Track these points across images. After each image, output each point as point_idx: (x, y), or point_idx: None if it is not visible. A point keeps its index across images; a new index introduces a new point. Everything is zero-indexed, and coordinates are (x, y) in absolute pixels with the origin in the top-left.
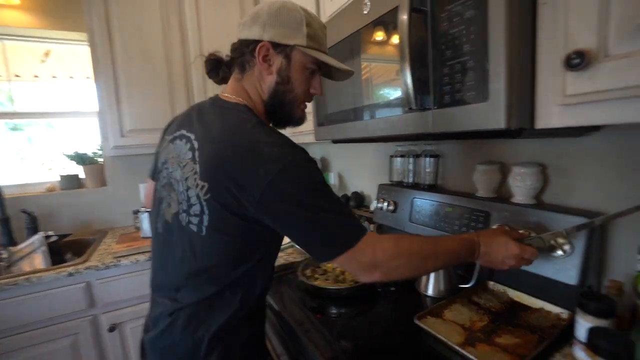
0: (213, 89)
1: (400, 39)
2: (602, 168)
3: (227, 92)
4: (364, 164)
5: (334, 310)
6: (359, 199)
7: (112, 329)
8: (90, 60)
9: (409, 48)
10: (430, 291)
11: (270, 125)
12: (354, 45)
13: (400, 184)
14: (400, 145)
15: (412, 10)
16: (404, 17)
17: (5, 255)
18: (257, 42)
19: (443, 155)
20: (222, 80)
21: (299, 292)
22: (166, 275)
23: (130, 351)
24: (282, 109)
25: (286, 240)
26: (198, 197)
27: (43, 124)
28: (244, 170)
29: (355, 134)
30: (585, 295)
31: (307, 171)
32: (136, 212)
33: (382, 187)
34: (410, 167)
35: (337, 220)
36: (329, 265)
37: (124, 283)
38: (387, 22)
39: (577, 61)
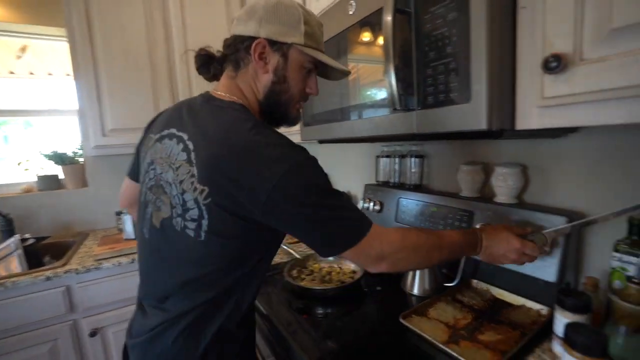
0: (198, 88)
1: (385, 39)
2: (579, 168)
3: (219, 89)
4: (351, 164)
5: (320, 311)
6: None
7: (93, 333)
8: (70, 56)
9: (393, 49)
10: (415, 290)
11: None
12: (340, 45)
13: (386, 184)
14: (387, 146)
15: (397, 12)
16: (388, 18)
17: None
18: (252, 38)
19: (428, 155)
20: (213, 77)
21: (285, 293)
22: (155, 283)
23: (113, 356)
24: (277, 108)
25: None
26: (196, 201)
27: (20, 123)
28: (247, 172)
29: (341, 134)
30: (563, 292)
31: (312, 170)
32: (119, 213)
33: (368, 187)
34: (396, 167)
35: (344, 216)
36: (315, 266)
37: (106, 286)
38: (372, 22)
39: (555, 64)
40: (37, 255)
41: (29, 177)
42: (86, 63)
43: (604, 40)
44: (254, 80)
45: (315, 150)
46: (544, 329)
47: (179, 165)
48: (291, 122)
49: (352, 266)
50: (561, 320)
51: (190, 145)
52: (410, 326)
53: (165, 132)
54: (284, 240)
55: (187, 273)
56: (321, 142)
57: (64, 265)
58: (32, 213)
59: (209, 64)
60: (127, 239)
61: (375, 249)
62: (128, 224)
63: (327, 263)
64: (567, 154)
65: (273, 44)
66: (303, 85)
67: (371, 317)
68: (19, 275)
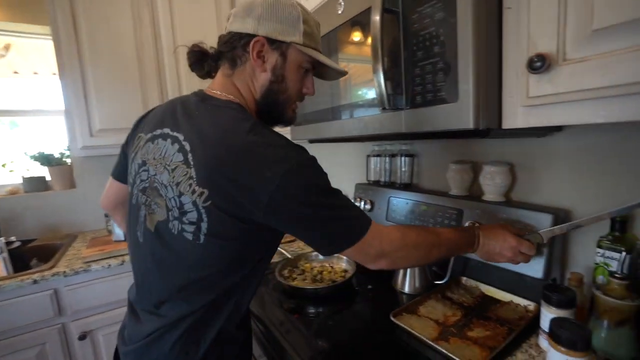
0: (188, 86)
1: (373, 39)
2: (564, 166)
3: (214, 88)
4: (341, 163)
5: (312, 310)
6: None
7: (82, 337)
8: (55, 55)
9: (382, 48)
10: (406, 288)
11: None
12: (330, 44)
13: (377, 183)
14: (377, 145)
15: (385, 11)
16: (376, 17)
17: None
18: (250, 36)
19: (418, 154)
20: (206, 74)
21: (277, 293)
22: (150, 288)
23: (103, 359)
24: (275, 108)
25: None
26: (195, 203)
27: (6, 123)
28: (247, 173)
29: (331, 134)
30: (548, 288)
31: (312, 170)
32: (108, 215)
33: (359, 187)
34: (387, 166)
35: (344, 215)
36: (306, 265)
37: (95, 289)
38: (361, 22)
39: (539, 64)
40: (23, 258)
41: (15, 178)
42: (72, 62)
43: (585, 41)
44: (252, 79)
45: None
46: (531, 325)
47: (174, 166)
48: (287, 122)
49: (343, 265)
50: (547, 315)
51: (187, 146)
52: (401, 324)
53: (158, 131)
54: None
55: (185, 277)
56: (311, 141)
57: (51, 268)
58: (17, 215)
59: (202, 61)
60: (116, 241)
61: (375, 247)
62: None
63: (319, 262)
64: (552, 153)
65: (272, 42)
66: (300, 85)
67: (362, 316)
68: (4, 278)
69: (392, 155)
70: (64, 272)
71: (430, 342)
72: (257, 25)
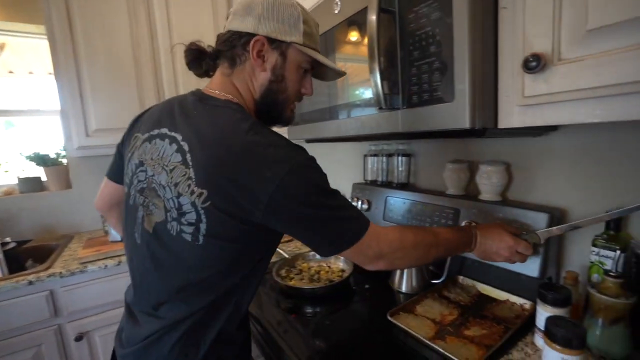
0: (185, 86)
1: (369, 39)
2: (560, 166)
3: (212, 87)
4: (339, 163)
5: (309, 310)
6: None
7: (79, 338)
8: (50, 55)
9: (378, 48)
10: (403, 288)
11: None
12: (327, 44)
13: (374, 183)
14: (374, 145)
15: (381, 11)
16: (372, 17)
17: None
18: (250, 35)
19: (415, 154)
20: (204, 73)
21: (274, 293)
22: (149, 290)
23: None
24: (274, 108)
25: None
26: (194, 204)
27: (1, 123)
28: (247, 173)
29: (328, 134)
30: (544, 287)
31: (312, 171)
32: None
33: (356, 186)
34: (384, 166)
35: (343, 216)
36: (304, 265)
37: (92, 290)
38: (357, 22)
39: (534, 64)
40: (18, 259)
41: (10, 179)
42: (67, 62)
43: (580, 41)
44: (251, 78)
45: None
46: (527, 323)
47: (173, 167)
48: (285, 122)
49: (340, 265)
50: (543, 314)
51: (185, 146)
52: (398, 323)
53: (156, 131)
54: None
55: (184, 278)
56: (309, 141)
57: (47, 269)
58: (12, 216)
59: (200, 60)
60: (113, 241)
61: (373, 249)
62: None
63: (316, 262)
64: (548, 152)
65: (272, 41)
66: (299, 85)
67: (359, 315)
68: None
69: (389, 155)
70: (60, 273)
71: (427, 341)
72: (257, 25)
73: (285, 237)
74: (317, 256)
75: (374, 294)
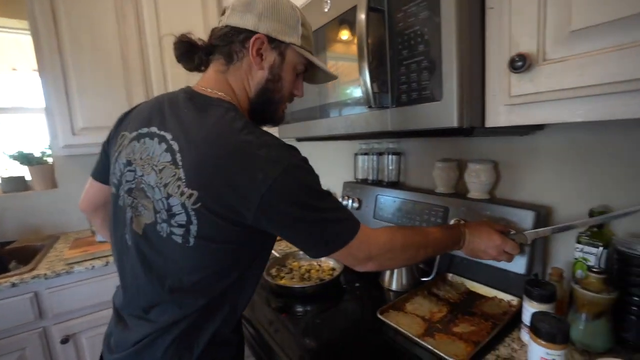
0: (174, 83)
1: (359, 37)
2: (546, 164)
3: (204, 84)
4: (329, 161)
5: (299, 309)
6: None
7: (65, 340)
8: (34, 51)
9: (367, 47)
10: (393, 286)
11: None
12: (318, 42)
13: (364, 182)
14: (364, 143)
15: (370, 10)
16: (362, 16)
17: None
18: (250, 32)
19: (405, 152)
20: (195, 67)
21: (264, 292)
22: (139, 292)
23: None
24: (267, 107)
25: None
26: (184, 206)
27: None
28: (239, 174)
29: (318, 132)
30: (530, 283)
31: (305, 172)
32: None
33: (346, 185)
34: (374, 164)
35: (334, 218)
36: (294, 264)
37: (79, 291)
38: (347, 20)
39: (520, 64)
40: (1, 261)
41: None
42: (52, 58)
43: (564, 42)
44: (247, 76)
45: None
46: (514, 319)
47: (162, 167)
48: (276, 122)
49: (331, 263)
50: (529, 309)
51: (175, 146)
52: (388, 321)
53: (145, 130)
54: None
55: (176, 280)
56: (299, 140)
57: (31, 270)
58: None
59: (192, 53)
60: (100, 242)
61: (363, 251)
62: None
63: (307, 261)
64: (534, 151)
65: (271, 41)
66: (292, 86)
67: (350, 314)
68: None
69: (380, 154)
70: (45, 274)
71: (416, 339)
72: (257, 22)
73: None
74: None
75: (364, 292)
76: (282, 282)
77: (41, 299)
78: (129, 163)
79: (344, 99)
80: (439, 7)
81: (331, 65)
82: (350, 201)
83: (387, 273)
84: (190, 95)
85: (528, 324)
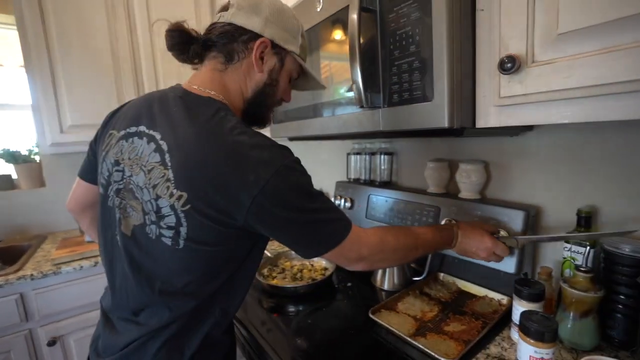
0: (166, 80)
1: (350, 37)
2: (535, 165)
3: (196, 83)
4: (322, 161)
5: (291, 309)
6: None
7: (52, 342)
8: (20, 46)
9: (359, 47)
10: (385, 285)
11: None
12: (311, 42)
13: (357, 181)
14: (357, 143)
15: (362, 10)
16: (354, 16)
17: None
18: (254, 34)
19: (397, 152)
20: (189, 59)
21: (256, 292)
22: (127, 295)
23: None
24: (260, 109)
25: None
26: (173, 207)
27: None
28: (230, 176)
29: (311, 132)
30: (519, 282)
31: (297, 173)
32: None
33: (339, 184)
34: (367, 164)
35: (326, 219)
36: (286, 264)
37: (66, 292)
38: (339, 20)
39: (509, 65)
40: None
41: None
42: (40, 54)
43: (551, 44)
44: (246, 77)
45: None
46: (504, 318)
47: (151, 167)
48: (264, 125)
49: (323, 263)
50: (518, 308)
51: (164, 146)
52: (379, 321)
53: (133, 129)
54: None
55: (166, 282)
56: (292, 139)
57: (16, 271)
58: None
59: (187, 44)
60: (89, 242)
61: (355, 252)
62: None
63: (299, 261)
64: (524, 151)
65: (274, 46)
66: (284, 92)
67: (342, 313)
68: None
69: (372, 154)
70: (31, 275)
71: (408, 338)
72: (263, 26)
73: None
74: None
75: (356, 292)
76: (274, 282)
77: (27, 300)
78: (116, 163)
79: (337, 98)
80: (430, 9)
81: (324, 65)
82: (342, 201)
83: (379, 273)
84: (180, 93)
85: (518, 322)
